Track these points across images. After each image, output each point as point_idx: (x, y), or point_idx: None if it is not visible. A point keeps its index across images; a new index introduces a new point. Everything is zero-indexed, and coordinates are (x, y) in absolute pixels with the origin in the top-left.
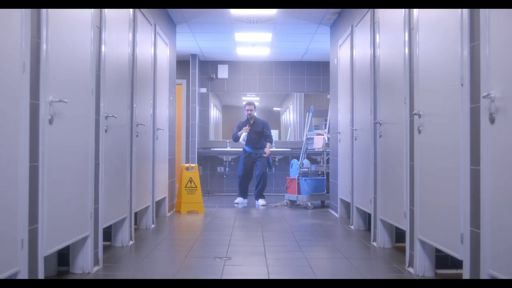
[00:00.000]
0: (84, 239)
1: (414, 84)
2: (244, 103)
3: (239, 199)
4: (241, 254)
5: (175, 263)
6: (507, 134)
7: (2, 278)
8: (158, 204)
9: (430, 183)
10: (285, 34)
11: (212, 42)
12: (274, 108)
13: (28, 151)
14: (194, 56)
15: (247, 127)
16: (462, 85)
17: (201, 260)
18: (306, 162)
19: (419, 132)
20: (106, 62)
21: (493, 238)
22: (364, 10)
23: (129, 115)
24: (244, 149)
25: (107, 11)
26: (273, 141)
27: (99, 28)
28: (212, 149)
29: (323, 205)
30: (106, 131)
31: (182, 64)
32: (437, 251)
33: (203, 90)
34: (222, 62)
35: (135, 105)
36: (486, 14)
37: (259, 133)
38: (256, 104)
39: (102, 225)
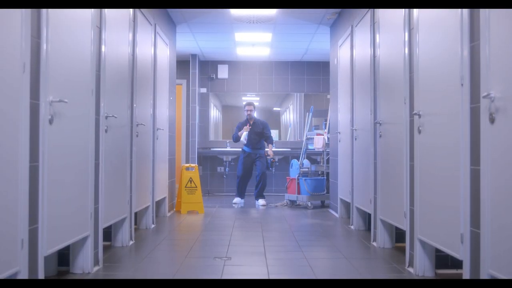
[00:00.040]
0: (84, 239)
1: (414, 84)
2: (243, 103)
3: (236, 199)
4: (241, 254)
5: (175, 263)
6: (507, 134)
7: (2, 278)
8: (158, 204)
9: (430, 183)
10: (285, 34)
11: (212, 42)
12: (274, 108)
13: (28, 151)
14: (194, 56)
15: (247, 126)
16: (462, 85)
17: (201, 260)
18: (306, 162)
19: (419, 132)
20: (106, 62)
21: (493, 238)
22: (364, 10)
23: (129, 115)
24: (243, 149)
25: (107, 11)
26: (273, 142)
27: (99, 28)
28: (212, 149)
29: (323, 205)
30: (106, 131)
31: (182, 64)
32: (437, 251)
33: (203, 90)
34: (222, 62)
35: (135, 105)
36: (486, 14)
37: (259, 133)
38: (256, 104)
39: (102, 225)
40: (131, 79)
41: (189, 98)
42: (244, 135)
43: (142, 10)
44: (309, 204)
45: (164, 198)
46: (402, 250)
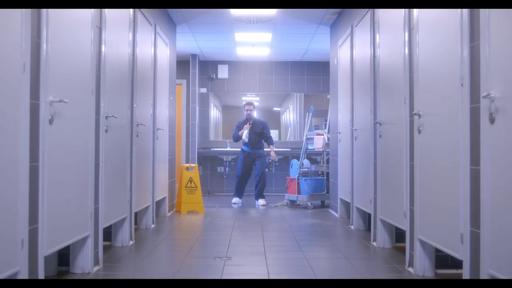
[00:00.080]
0: (84, 239)
1: (414, 84)
2: (243, 103)
3: (235, 199)
4: (241, 254)
5: (175, 263)
6: (507, 134)
7: (2, 278)
8: (158, 204)
9: (430, 183)
10: (285, 34)
11: (212, 42)
12: (274, 108)
13: (28, 151)
14: (194, 56)
15: (248, 125)
16: (462, 85)
17: (201, 260)
18: (306, 162)
19: (419, 132)
20: (106, 62)
21: (493, 238)
22: (364, 10)
23: (129, 115)
24: (242, 149)
25: (107, 11)
26: (273, 142)
27: (99, 28)
28: (212, 149)
29: (323, 205)
30: (106, 131)
31: (182, 64)
32: (437, 251)
33: (203, 90)
34: (222, 62)
35: (135, 105)
36: (486, 14)
37: (258, 133)
38: (256, 104)
39: (102, 225)
40: (131, 79)
41: (189, 98)
42: (245, 133)
43: (142, 10)
44: (309, 204)
45: (164, 198)
46: (402, 250)
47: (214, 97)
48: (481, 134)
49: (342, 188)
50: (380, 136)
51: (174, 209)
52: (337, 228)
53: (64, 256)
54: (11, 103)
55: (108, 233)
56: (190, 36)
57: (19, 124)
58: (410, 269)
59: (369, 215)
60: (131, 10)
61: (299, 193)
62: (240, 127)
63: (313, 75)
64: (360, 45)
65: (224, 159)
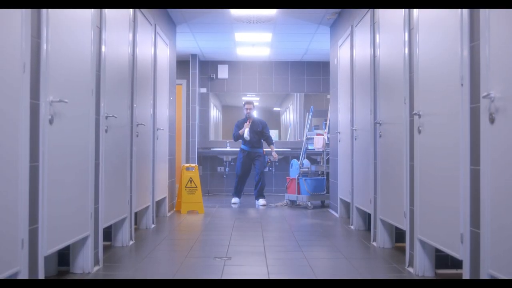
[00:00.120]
0: (84, 239)
1: (414, 84)
2: (243, 101)
3: (235, 199)
4: (241, 254)
5: (175, 263)
6: (507, 134)
7: (2, 278)
8: (158, 204)
9: (430, 183)
10: (285, 34)
11: (212, 42)
12: (274, 108)
13: (28, 151)
14: (194, 56)
15: (248, 123)
16: (462, 85)
17: (201, 260)
18: (306, 162)
19: (419, 132)
20: (106, 62)
21: (493, 238)
22: (364, 10)
23: (129, 115)
24: (242, 149)
25: (107, 11)
26: (273, 142)
27: (99, 28)
28: (212, 149)
29: (323, 205)
30: (106, 131)
31: (182, 64)
32: (437, 251)
33: (203, 90)
34: (222, 62)
35: (135, 105)
36: (486, 14)
37: (258, 132)
38: (256, 104)
39: (102, 225)
40: (131, 79)
41: (189, 98)
42: (246, 131)
43: (142, 10)
44: (309, 204)
45: (164, 198)
46: (402, 250)
47: (214, 97)
48: (481, 134)
49: (342, 188)
50: (380, 136)
51: (174, 209)
52: (337, 228)
53: (64, 256)
54: (11, 103)
55: (108, 233)
56: (190, 36)
57: (19, 124)
58: (410, 269)
59: (369, 215)
60: (131, 10)
61: (299, 193)
62: (239, 126)
63: (313, 75)
64: (360, 45)
65: (224, 159)
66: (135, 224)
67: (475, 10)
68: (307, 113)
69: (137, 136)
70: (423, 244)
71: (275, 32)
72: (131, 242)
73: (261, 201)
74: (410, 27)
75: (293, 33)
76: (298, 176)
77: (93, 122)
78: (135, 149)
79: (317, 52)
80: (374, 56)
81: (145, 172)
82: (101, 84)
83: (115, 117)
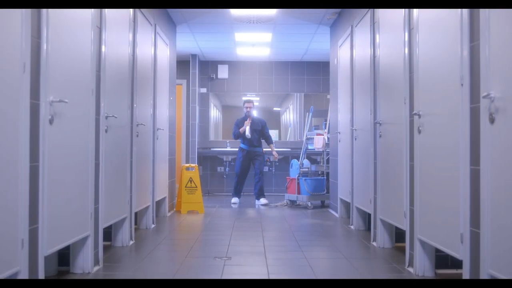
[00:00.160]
0: (84, 239)
1: (414, 84)
2: (243, 99)
3: (235, 199)
4: (241, 254)
5: (175, 263)
6: (507, 134)
7: (3, 278)
8: (158, 204)
9: (430, 183)
10: (285, 34)
11: (212, 42)
12: (274, 108)
13: (28, 151)
14: (194, 56)
15: (248, 121)
16: (462, 85)
17: (201, 260)
18: (306, 162)
19: (419, 132)
20: (106, 62)
21: (493, 238)
22: (364, 10)
23: (129, 115)
24: (241, 148)
25: (107, 11)
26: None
27: (99, 28)
28: (212, 149)
29: (323, 205)
30: (106, 131)
31: (182, 64)
32: (437, 251)
33: (203, 90)
34: (222, 62)
35: (135, 105)
36: (486, 14)
37: (257, 131)
38: (256, 104)
39: (102, 225)
40: (131, 79)
41: (189, 98)
42: (247, 129)
43: (142, 10)
44: (309, 204)
45: (164, 198)
46: (402, 250)
47: (214, 97)
48: (481, 134)
49: (342, 188)
50: (380, 136)
51: (174, 209)
52: (337, 228)
53: (64, 256)
54: (11, 103)
55: (108, 233)
56: (190, 36)
57: (19, 124)
58: (410, 269)
59: (369, 215)
60: (131, 10)
61: (299, 193)
62: (239, 124)
63: (313, 75)
64: (360, 45)
65: (224, 159)
66: (135, 224)
67: (475, 10)
68: (307, 113)
69: (137, 136)
70: (423, 244)
71: (275, 32)
72: (131, 242)
73: (262, 200)
74: (410, 27)
75: (293, 33)
76: (298, 176)
77: (93, 122)
78: (135, 149)
79: (317, 52)
80: (374, 56)
81: (145, 172)
82: (101, 84)
83: (115, 117)
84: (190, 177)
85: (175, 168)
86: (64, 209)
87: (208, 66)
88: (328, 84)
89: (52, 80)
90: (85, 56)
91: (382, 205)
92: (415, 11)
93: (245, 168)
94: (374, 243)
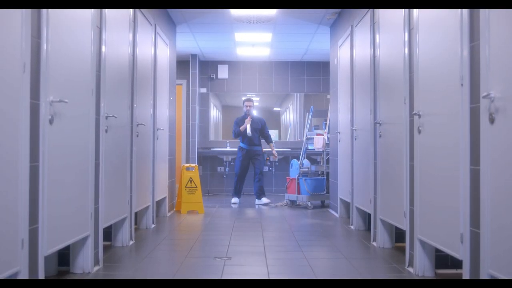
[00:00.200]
0: (84, 239)
1: (414, 84)
2: (243, 98)
3: (235, 199)
4: (241, 254)
5: (175, 263)
6: (506, 134)
7: (3, 278)
8: (158, 204)
9: (430, 183)
10: (285, 34)
11: (212, 42)
12: (274, 108)
13: (28, 151)
14: (194, 56)
15: (248, 119)
16: (462, 85)
17: (201, 260)
18: (306, 162)
19: (419, 132)
20: (106, 62)
21: (493, 238)
22: (364, 10)
23: (129, 115)
24: (240, 147)
25: (107, 11)
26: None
27: (99, 28)
28: (212, 149)
29: (323, 205)
30: (106, 131)
31: (182, 64)
32: (437, 251)
33: (203, 90)
34: (222, 62)
35: (135, 105)
36: (486, 14)
37: (257, 130)
38: (256, 104)
39: (102, 225)
40: (131, 79)
41: (189, 98)
42: (248, 127)
43: (142, 10)
44: (309, 204)
45: (164, 198)
46: (402, 250)
47: (214, 97)
48: (481, 134)
49: (342, 188)
50: (380, 136)
51: (174, 209)
52: (337, 228)
53: (64, 256)
54: (11, 103)
55: (108, 233)
56: (190, 36)
57: (19, 124)
58: (410, 269)
59: (369, 215)
60: (131, 10)
61: (299, 193)
62: (239, 123)
63: (313, 75)
64: (360, 45)
65: (224, 159)
66: (135, 224)
67: (475, 10)
68: (307, 113)
69: (137, 136)
70: (423, 244)
71: (275, 32)
72: (131, 242)
73: (264, 200)
74: (410, 27)
75: (293, 33)
76: (298, 176)
77: (93, 122)
78: (135, 149)
79: (317, 52)
80: (374, 56)
81: (145, 172)
82: (101, 84)
83: (115, 117)
84: (190, 177)
85: (175, 168)
86: (64, 209)
87: (208, 66)
88: (328, 84)
89: (52, 80)
90: (85, 56)
91: (382, 205)
92: (415, 11)
93: (245, 167)
94: (374, 243)
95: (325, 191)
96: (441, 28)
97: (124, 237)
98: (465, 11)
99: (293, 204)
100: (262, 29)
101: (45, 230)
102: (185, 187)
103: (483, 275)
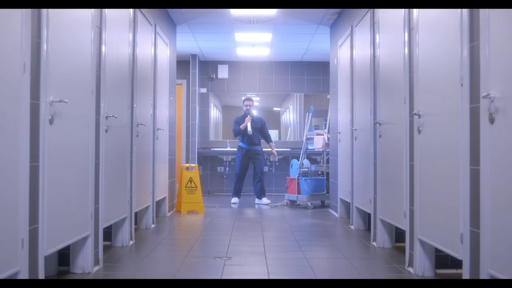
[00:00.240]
0: (85, 239)
1: (414, 84)
2: (243, 98)
3: (235, 199)
4: (241, 254)
5: (175, 263)
6: (506, 134)
7: (3, 278)
8: (158, 204)
9: (429, 183)
10: (285, 34)
11: (212, 42)
12: (274, 108)
13: (28, 151)
14: (194, 56)
15: (249, 117)
16: (462, 85)
17: (201, 260)
18: (306, 162)
19: (419, 132)
20: (106, 62)
21: (493, 238)
22: (364, 10)
23: (129, 115)
24: (240, 147)
25: (107, 11)
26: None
27: (99, 28)
28: (212, 149)
29: (323, 205)
30: (106, 131)
31: (182, 64)
32: (437, 251)
33: (203, 90)
34: (222, 62)
35: (135, 105)
36: (486, 14)
37: (257, 129)
38: (256, 104)
39: (103, 225)
40: (131, 79)
41: (189, 98)
42: (249, 125)
43: (142, 10)
44: (309, 204)
45: (164, 198)
46: (402, 250)
47: (214, 97)
48: (481, 134)
49: (342, 188)
50: (380, 136)
51: (174, 209)
52: (337, 228)
53: (64, 256)
54: (11, 103)
55: (108, 233)
56: (190, 36)
57: (20, 124)
58: (410, 269)
59: (369, 215)
60: (131, 10)
61: (299, 193)
62: (239, 122)
63: (313, 75)
64: (360, 45)
65: (224, 159)
66: (135, 224)
67: (475, 10)
68: (307, 113)
69: (137, 136)
70: (423, 244)
71: (275, 32)
72: (131, 242)
73: (265, 200)
74: (410, 27)
75: (293, 33)
76: (298, 176)
77: (93, 122)
78: (135, 149)
79: (317, 52)
80: (374, 56)
81: (145, 172)
82: (101, 84)
83: (115, 117)
84: (190, 177)
85: (175, 168)
86: (64, 209)
87: (208, 66)
88: (328, 84)
89: (52, 80)
90: (85, 56)
91: (382, 205)
92: (415, 11)
93: (245, 167)
94: (374, 243)
95: (325, 191)
96: (441, 28)
97: (124, 237)
98: (465, 11)
99: (293, 204)
100: (262, 29)
101: (45, 230)
102: (185, 187)
103: (483, 275)
